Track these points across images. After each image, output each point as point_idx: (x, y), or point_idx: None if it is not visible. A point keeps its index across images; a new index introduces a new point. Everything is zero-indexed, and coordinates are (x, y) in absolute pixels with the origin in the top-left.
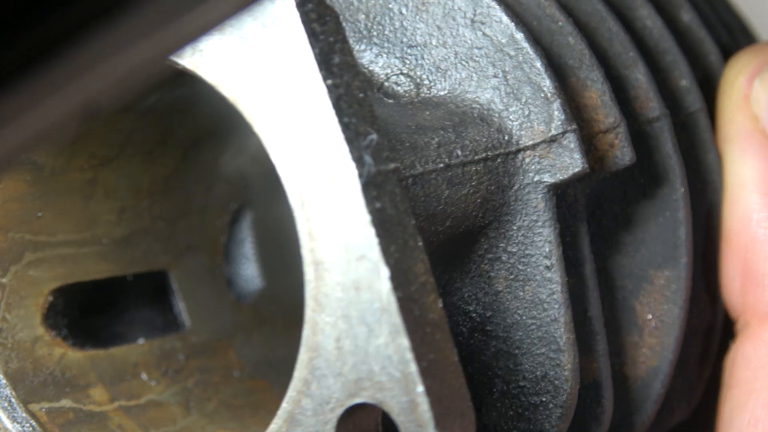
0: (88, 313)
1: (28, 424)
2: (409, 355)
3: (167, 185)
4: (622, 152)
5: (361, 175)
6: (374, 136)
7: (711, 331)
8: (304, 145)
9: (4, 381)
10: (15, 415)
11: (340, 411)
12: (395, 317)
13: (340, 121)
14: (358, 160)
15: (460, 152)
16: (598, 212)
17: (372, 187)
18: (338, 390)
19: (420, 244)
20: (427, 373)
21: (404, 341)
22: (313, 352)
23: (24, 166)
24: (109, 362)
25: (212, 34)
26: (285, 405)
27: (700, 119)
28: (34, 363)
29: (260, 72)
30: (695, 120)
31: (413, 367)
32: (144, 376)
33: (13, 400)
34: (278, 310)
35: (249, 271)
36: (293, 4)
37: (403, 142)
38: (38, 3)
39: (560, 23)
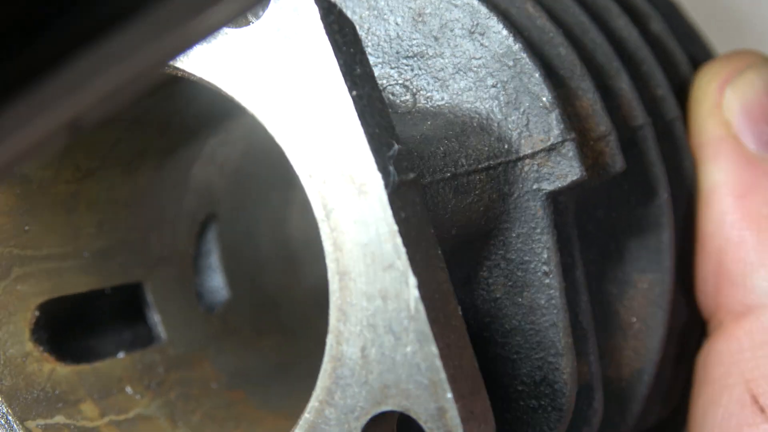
0: (69, 328)
1: None
2: (439, 363)
3: (143, 197)
4: (613, 160)
5: (387, 186)
6: (397, 147)
7: (687, 331)
8: (329, 156)
9: (0, 398)
10: None
11: (365, 419)
12: (424, 325)
13: (366, 132)
14: (384, 171)
15: (464, 161)
16: (585, 218)
17: (397, 197)
18: (363, 399)
19: (439, 252)
20: (453, 379)
21: (433, 349)
22: (337, 361)
23: (14, 179)
24: (95, 377)
25: (234, 45)
26: (307, 415)
27: (677, 127)
28: (26, 379)
29: (282, 83)
30: (672, 128)
31: (442, 374)
32: (129, 389)
33: (10, 417)
34: (245, 321)
35: (215, 283)
36: (317, 16)
37: (411, 152)
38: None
39: (551, 34)
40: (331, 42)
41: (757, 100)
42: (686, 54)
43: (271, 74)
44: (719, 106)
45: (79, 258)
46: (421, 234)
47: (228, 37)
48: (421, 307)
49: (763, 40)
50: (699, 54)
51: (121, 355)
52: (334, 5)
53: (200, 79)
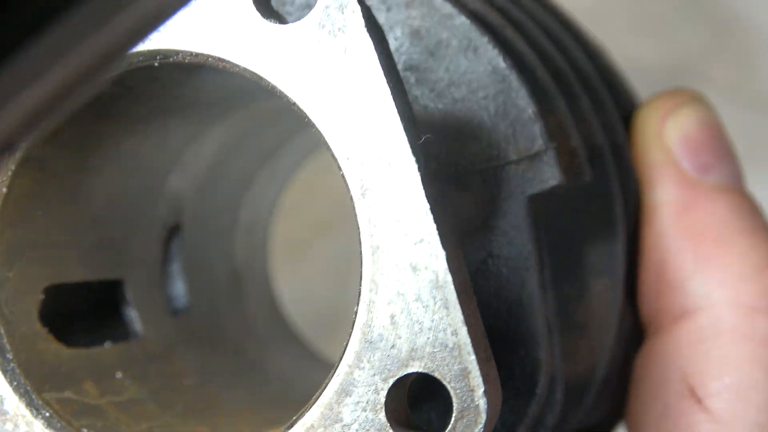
0: (64, 314)
1: (45, 411)
2: (464, 327)
3: (129, 198)
4: (582, 170)
5: (419, 169)
6: (427, 136)
7: (633, 338)
8: (367, 141)
9: (18, 370)
10: (33, 402)
11: (392, 380)
12: (451, 294)
13: (402, 120)
14: (418, 157)
15: (463, 162)
16: (550, 224)
17: (427, 180)
18: (391, 362)
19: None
20: (475, 343)
21: (459, 314)
22: (368, 327)
23: (35, 164)
24: (90, 361)
25: (278, 39)
26: (335, 378)
27: (625, 150)
28: (38, 356)
29: (323, 75)
30: (621, 150)
31: (467, 338)
32: (119, 375)
33: (28, 387)
34: (203, 328)
35: (177, 290)
36: (360, 14)
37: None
38: None
39: (528, 56)
40: (372, 38)
41: (693, 132)
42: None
43: (313, 67)
44: (661, 135)
45: (76, 249)
46: (444, 215)
47: (273, 31)
48: (449, 278)
49: (763, 39)
50: (621, 91)
51: (107, 345)
52: (369, 11)
53: (244, 69)
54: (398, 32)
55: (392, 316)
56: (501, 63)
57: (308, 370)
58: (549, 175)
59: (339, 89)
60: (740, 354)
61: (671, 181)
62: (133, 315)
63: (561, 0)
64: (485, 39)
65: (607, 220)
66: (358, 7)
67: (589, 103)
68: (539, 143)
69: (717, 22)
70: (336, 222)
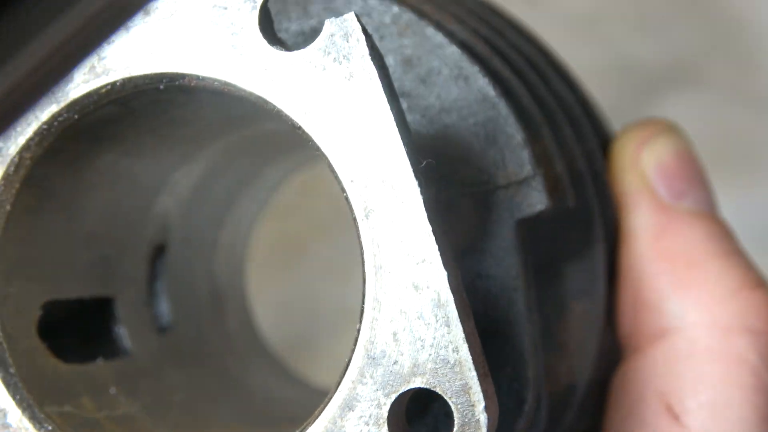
0: (60, 330)
1: (48, 425)
2: (465, 345)
3: (119, 217)
4: (566, 196)
5: (422, 193)
6: (428, 160)
7: (611, 358)
8: (370, 164)
9: (21, 384)
10: (35, 416)
11: (394, 396)
12: (453, 312)
13: (405, 144)
14: (420, 180)
15: (456, 185)
16: (534, 247)
17: (429, 202)
18: (393, 377)
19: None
20: (475, 360)
21: (460, 332)
22: (371, 344)
23: (36, 181)
24: (86, 376)
25: (285, 65)
26: (338, 393)
27: (604, 176)
28: (38, 371)
29: (328, 100)
30: (600, 177)
31: (468, 355)
32: (113, 390)
33: (30, 401)
34: (188, 344)
35: (163, 308)
36: (365, 42)
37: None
38: None
39: (514, 84)
40: (375, 65)
41: (668, 160)
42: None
43: (318, 92)
44: (638, 163)
45: (72, 266)
46: (444, 236)
47: (279, 57)
48: (451, 297)
49: (763, 39)
50: (599, 121)
51: (100, 361)
52: (372, 38)
53: (249, 93)
54: (391, 60)
55: (395, 333)
56: (491, 91)
57: (285, 388)
58: (537, 200)
59: (343, 114)
60: (715, 373)
61: (647, 206)
62: (122, 332)
63: (562, 1)
64: (476, 68)
65: (588, 243)
66: (363, 36)
67: (571, 131)
68: (528, 169)
69: (717, 22)
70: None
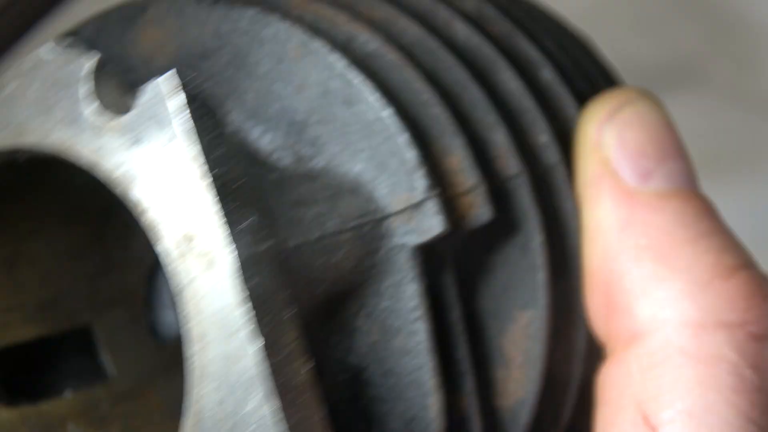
0: (17, 373)
1: None
2: (280, 415)
3: (86, 247)
4: (480, 211)
5: (235, 259)
6: (253, 218)
7: (590, 356)
8: (190, 232)
9: None
10: None
11: None
12: (266, 384)
13: (222, 209)
14: (234, 244)
15: (331, 223)
16: (465, 261)
17: (247, 267)
18: None
19: (292, 314)
20: (295, 428)
21: (274, 404)
22: (196, 416)
23: None
24: (38, 417)
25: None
26: None
27: (559, 171)
28: None
29: (153, 165)
30: (553, 172)
31: (283, 426)
32: (71, 427)
33: None
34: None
35: (168, 318)
36: (183, 103)
37: (281, 217)
38: None
39: (425, 96)
40: (196, 126)
41: (632, 135)
42: (581, 98)
43: (144, 156)
44: (598, 145)
45: (23, 310)
46: (272, 299)
47: (112, 122)
48: (262, 368)
49: (763, 39)
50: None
51: (67, 394)
52: (197, 95)
53: (84, 161)
54: (286, 88)
55: (220, 404)
56: (382, 111)
57: None
58: (431, 225)
59: (164, 178)
60: (690, 377)
61: (609, 196)
62: (105, 357)
63: (561, 1)
64: (366, 87)
65: (527, 251)
66: (182, 96)
67: (506, 131)
68: (419, 192)
69: (717, 22)
70: None
